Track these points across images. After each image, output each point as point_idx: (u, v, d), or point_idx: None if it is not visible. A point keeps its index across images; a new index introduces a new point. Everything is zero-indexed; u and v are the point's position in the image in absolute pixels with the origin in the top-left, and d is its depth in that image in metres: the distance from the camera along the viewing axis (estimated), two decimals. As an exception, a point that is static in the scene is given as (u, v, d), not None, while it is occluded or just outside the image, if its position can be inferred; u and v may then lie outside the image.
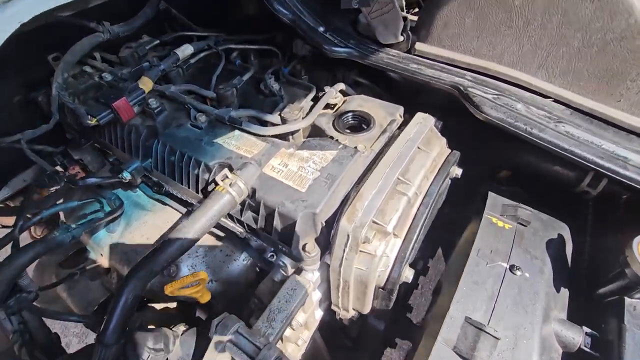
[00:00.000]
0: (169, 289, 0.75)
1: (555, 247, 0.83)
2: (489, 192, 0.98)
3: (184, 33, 1.31)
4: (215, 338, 0.73)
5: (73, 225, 0.88)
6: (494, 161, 1.17)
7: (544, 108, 0.88)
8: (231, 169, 0.85)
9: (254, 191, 0.83)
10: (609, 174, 0.78)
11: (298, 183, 0.81)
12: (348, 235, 0.73)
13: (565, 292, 0.79)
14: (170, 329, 0.85)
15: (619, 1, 0.76)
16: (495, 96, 0.89)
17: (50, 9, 0.76)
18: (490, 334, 0.66)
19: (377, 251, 0.74)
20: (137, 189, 1.15)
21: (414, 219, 0.78)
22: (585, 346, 0.69)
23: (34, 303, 0.95)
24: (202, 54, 1.24)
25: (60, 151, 1.13)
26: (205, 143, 0.93)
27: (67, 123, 1.15)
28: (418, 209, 0.80)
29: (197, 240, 0.76)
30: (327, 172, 0.82)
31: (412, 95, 1.19)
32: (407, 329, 1.18)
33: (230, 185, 0.79)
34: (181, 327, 0.86)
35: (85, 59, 1.17)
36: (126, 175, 0.99)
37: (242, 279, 1.02)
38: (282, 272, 0.91)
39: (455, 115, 0.96)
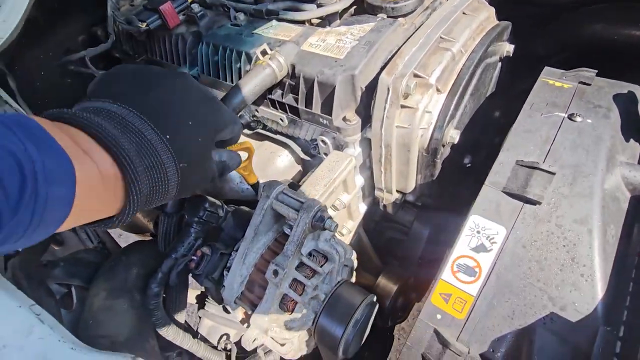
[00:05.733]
0: None
1: (624, 100, 0.74)
2: (545, 67, 0.89)
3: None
4: (262, 196, 0.77)
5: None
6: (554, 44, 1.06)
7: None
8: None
9: (293, 68, 0.84)
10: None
11: (336, 52, 0.81)
12: (388, 89, 0.71)
13: (635, 145, 0.72)
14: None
15: None
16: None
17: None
18: (544, 170, 0.62)
19: (419, 105, 0.72)
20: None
21: (458, 75, 0.75)
22: (659, 187, 0.62)
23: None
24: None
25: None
26: (245, 36, 0.96)
27: (121, 49, 1.25)
28: (464, 65, 0.76)
29: (242, 108, 0.80)
30: (365, 39, 0.81)
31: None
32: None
33: (270, 59, 0.81)
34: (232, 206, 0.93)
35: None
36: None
37: (288, 174, 1.06)
38: (324, 154, 0.93)
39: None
